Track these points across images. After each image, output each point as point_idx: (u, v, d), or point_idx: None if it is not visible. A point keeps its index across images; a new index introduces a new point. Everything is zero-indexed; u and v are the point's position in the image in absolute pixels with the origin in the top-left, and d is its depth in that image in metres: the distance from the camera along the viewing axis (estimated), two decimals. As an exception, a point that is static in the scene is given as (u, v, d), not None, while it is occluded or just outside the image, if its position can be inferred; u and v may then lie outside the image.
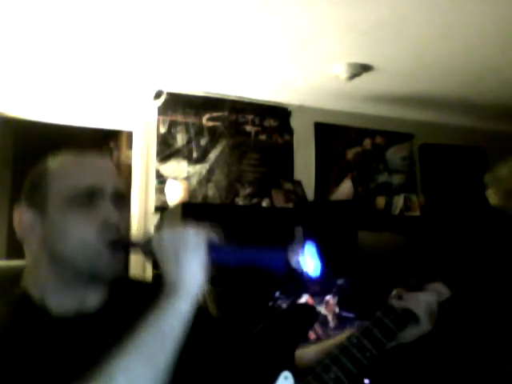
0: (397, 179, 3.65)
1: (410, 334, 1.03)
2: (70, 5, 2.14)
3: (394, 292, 1.06)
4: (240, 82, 3.04)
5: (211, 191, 3.12)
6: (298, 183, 3.27)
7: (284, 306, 2.68)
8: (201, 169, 3.12)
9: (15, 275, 0.99)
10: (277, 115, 3.37)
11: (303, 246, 0.88)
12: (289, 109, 3.39)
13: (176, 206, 2.82)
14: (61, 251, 0.92)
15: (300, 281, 2.60)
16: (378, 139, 3.64)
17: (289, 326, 1.06)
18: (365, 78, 2.88)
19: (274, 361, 1.02)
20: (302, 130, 3.43)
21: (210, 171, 3.14)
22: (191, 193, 3.00)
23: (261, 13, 2.24)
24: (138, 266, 2.75)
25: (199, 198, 3.05)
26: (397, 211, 3.37)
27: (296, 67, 2.83)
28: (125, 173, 3.06)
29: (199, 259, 0.83)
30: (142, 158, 2.98)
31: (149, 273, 2.76)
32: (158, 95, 3.04)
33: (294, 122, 3.41)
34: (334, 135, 3.51)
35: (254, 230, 2.85)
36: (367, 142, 3.61)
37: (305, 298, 2.80)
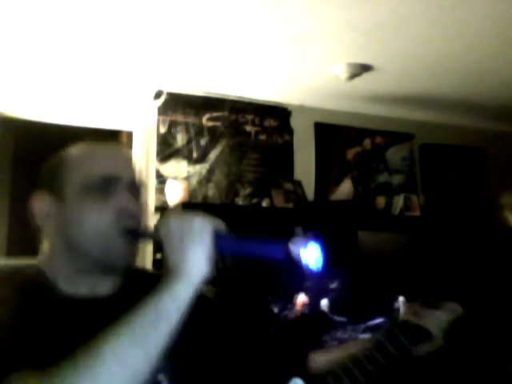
0: (397, 179, 3.65)
1: (422, 349, 1.04)
2: (70, 5, 2.14)
3: (408, 307, 1.07)
4: (240, 82, 3.04)
5: (211, 191, 3.12)
6: (298, 183, 3.27)
7: (287, 310, 2.69)
8: (201, 169, 3.12)
9: (16, 274, 0.97)
10: (277, 115, 3.37)
11: (306, 240, 0.87)
12: (289, 109, 3.39)
13: (176, 206, 2.82)
14: (76, 238, 0.93)
15: (300, 273, 2.60)
16: (378, 139, 3.64)
17: (302, 332, 1.10)
18: (365, 78, 2.88)
19: (285, 366, 1.02)
20: (302, 130, 3.43)
21: (210, 171, 3.14)
22: (191, 193, 3.00)
23: (261, 13, 2.24)
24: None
25: (199, 198, 3.05)
26: (397, 211, 3.37)
27: (296, 67, 2.83)
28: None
29: (203, 247, 0.83)
30: (142, 157, 2.98)
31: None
32: (157, 95, 3.04)
33: (294, 122, 3.41)
34: (334, 135, 3.51)
35: (254, 230, 2.85)
36: (367, 142, 3.61)
37: (300, 297, 2.79)
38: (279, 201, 3.11)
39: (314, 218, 3.11)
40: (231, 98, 3.23)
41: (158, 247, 0.88)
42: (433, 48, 2.60)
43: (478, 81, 3.04)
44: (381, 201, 3.43)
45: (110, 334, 0.74)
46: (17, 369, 0.74)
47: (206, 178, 3.12)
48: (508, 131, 3.89)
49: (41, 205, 0.96)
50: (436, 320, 1.03)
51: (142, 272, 1.07)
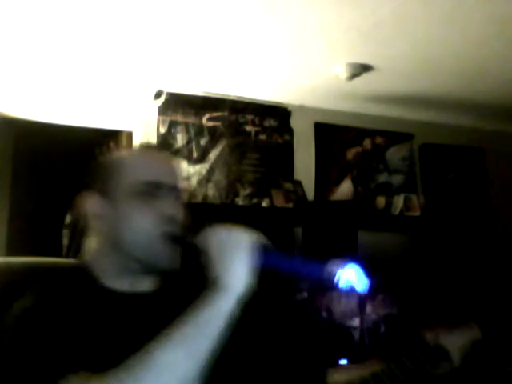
0: (397, 179, 3.65)
1: (440, 368, 1.10)
2: (70, 5, 2.14)
3: (429, 329, 1.11)
4: (240, 81, 3.04)
5: (211, 191, 3.11)
6: (298, 183, 3.26)
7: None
8: (201, 169, 3.11)
9: (63, 270, 1.06)
10: (277, 115, 3.37)
11: (347, 262, 0.89)
12: (289, 109, 3.39)
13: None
14: (122, 238, 0.99)
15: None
16: (378, 139, 3.63)
17: (323, 346, 1.15)
18: (365, 78, 2.88)
19: (305, 380, 1.06)
20: (302, 130, 3.42)
21: (210, 171, 3.14)
22: (191, 193, 3.00)
23: (261, 13, 2.24)
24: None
25: (199, 198, 3.05)
26: (397, 211, 3.37)
27: (296, 67, 2.83)
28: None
29: (247, 260, 0.85)
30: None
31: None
32: (158, 95, 3.04)
33: (294, 122, 3.40)
34: (334, 135, 3.51)
35: (254, 230, 2.85)
36: (367, 142, 3.60)
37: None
38: (279, 201, 3.11)
39: (314, 218, 3.11)
40: (231, 97, 3.23)
41: (198, 255, 0.92)
42: (433, 48, 2.60)
43: (478, 81, 3.03)
44: (381, 201, 3.43)
45: (162, 344, 0.79)
46: (72, 369, 0.79)
47: (206, 178, 3.12)
48: (508, 131, 3.88)
49: (91, 205, 1.03)
50: (456, 342, 1.08)
51: (182, 272, 1.11)
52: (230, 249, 0.86)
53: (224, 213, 2.89)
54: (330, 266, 0.88)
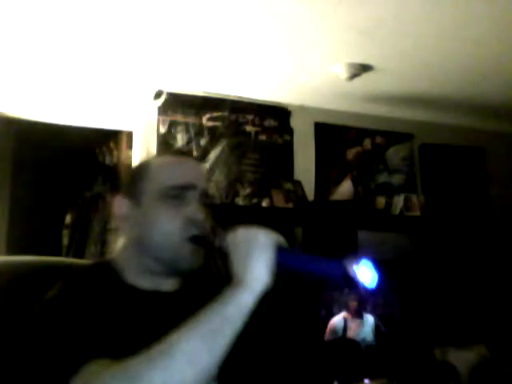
0: (397, 179, 3.65)
1: None
2: (70, 5, 2.14)
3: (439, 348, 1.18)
4: (240, 81, 3.04)
5: (211, 191, 3.11)
6: (298, 183, 3.26)
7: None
8: (201, 169, 3.11)
9: (92, 267, 1.10)
10: (277, 115, 3.37)
11: (360, 258, 0.91)
12: (289, 109, 3.39)
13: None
14: (147, 240, 1.03)
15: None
16: (378, 139, 3.63)
17: (331, 359, 1.18)
18: (365, 78, 2.88)
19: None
20: (302, 130, 3.43)
21: (210, 171, 3.14)
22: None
23: (261, 13, 2.24)
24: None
25: (199, 198, 3.05)
26: (397, 211, 3.37)
27: (296, 67, 2.83)
28: (125, 173, 3.06)
29: (266, 259, 0.89)
30: (142, 158, 2.98)
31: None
32: (158, 95, 3.04)
33: (294, 122, 3.40)
34: (333, 135, 3.51)
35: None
36: (367, 142, 3.60)
37: (342, 315, 2.83)
38: (279, 201, 3.11)
39: (314, 218, 3.11)
40: (231, 97, 3.23)
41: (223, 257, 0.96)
42: (433, 48, 2.60)
43: (478, 81, 3.04)
44: (381, 201, 3.43)
45: (182, 335, 0.82)
46: (93, 356, 0.82)
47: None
48: (508, 131, 3.89)
49: (120, 207, 1.07)
50: (465, 361, 1.14)
51: (204, 272, 1.14)
52: (250, 248, 0.89)
53: (224, 213, 2.88)
54: (346, 263, 0.90)
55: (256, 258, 0.88)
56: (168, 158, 1.13)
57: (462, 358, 1.10)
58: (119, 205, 1.07)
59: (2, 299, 1.09)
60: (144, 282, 1.03)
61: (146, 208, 1.04)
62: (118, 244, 1.09)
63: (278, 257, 0.90)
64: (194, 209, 1.03)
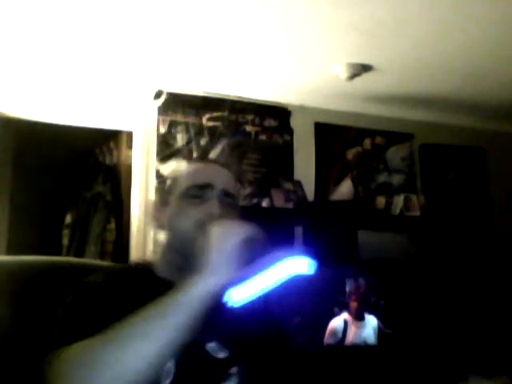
0: (397, 179, 3.65)
1: None
2: (70, 5, 2.14)
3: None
4: (240, 81, 3.04)
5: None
6: (298, 183, 3.26)
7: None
8: (201, 169, 3.11)
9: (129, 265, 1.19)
10: (277, 115, 3.37)
11: (291, 251, 0.93)
12: (289, 109, 3.39)
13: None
14: (170, 237, 1.12)
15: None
16: (378, 139, 3.63)
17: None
18: (365, 78, 2.88)
19: None
20: (302, 130, 3.43)
21: (210, 171, 3.13)
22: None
23: (261, 13, 2.24)
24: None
25: (199, 198, 3.05)
26: (397, 211, 3.37)
27: (296, 67, 2.84)
28: (125, 173, 3.06)
29: (229, 253, 0.90)
30: (142, 158, 2.98)
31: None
32: (158, 95, 3.04)
33: (294, 122, 3.40)
34: (334, 135, 3.51)
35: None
36: (367, 142, 3.60)
37: (343, 316, 2.82)
38: (279, 201, 3.11)
39: (314, 218, 3.11)
40: (231, 98, 3.23)
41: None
42: (433, 48, 2.60)
43: (478, 81, 3.04)
44: (381, 201, 3.43)
45: (142, 316, 0.86)
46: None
47: (206, 178, 3.11)
48: (508, 131, 3.89)
49: (156, 213, 1.18)
50: None
51: None
52: (217, 241, 0.91)
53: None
54: (276, 258, 0.94)
55: (219, 251, 0.90)
56: (194, 163, 1.23)
57: None
58: (155, 212, 1.19)
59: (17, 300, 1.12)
60: (175, 277, 1.07)
61: (170, 208, 1.13)
62: (155, 245, 1.18)
63: (248, 251, 0.91)
64: (209, 206, 1.07)
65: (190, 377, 0.99)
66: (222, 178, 1.16)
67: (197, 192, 1.10)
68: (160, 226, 1.15)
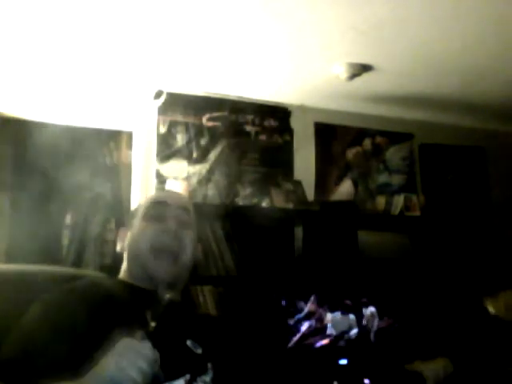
0: (397, 179, 3.65)
1: None
2: (70, 5, 2.14)
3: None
4: (240, 82, 3.04)
5: (211, 191, 3.11)
6: (298, 183, 3.26)
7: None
8: (201, 169, 3.11)
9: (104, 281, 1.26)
10: (277, 115, 3.37)
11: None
12: (289, 109, 3.39)
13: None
14: (130, 257, 1.24)
15: None
16: (378, 139, 3.63)
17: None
18: (365, 78, 2.88)
19: None
20: (302, 129, 3.42)
21: (210, 171, 3.14)
22: (191, 193, 3.00)
23: (261, 13, 2.24)
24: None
25: (199, 198, 3.05)
26: (397, 211, 3.37)
27: (296, 67, 2.83)
28: (125, 173, 3.06)
29: (126, 366, 0.89)
30: (142, 158, 2.98)
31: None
32: (158, 95, 3.04)
33: (294, 122, 3.40)
34: (333, 135, 3.51)
35: (254, 230, 2.85)
36: (367, 142, 3.60)
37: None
38: (279, 201, 3.11)
39: (314, 218, 3.11)
40: (231, 98, 3.23)
41: None
42: (433, 48, 2.60)
43: (478, 81, 3.04)
44: (381, 201, 3.43)
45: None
46: None
47: (206, 178, 3.12)
48: (508, 131, 3.88)
49: (121, 236, 1.32)
50: (431, 370, 1.33)
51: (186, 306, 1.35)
52: (124, 351, 0.91)
53: (224, 213, 2.88)
54: None
55: (120, 362, 0.89)
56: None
57: (430, 370, 1.28)
58: (120, 235, 1.33)
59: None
60: (145, 284, 1.20)
61: (132, 229, 1.27)
62: (123, 266, 1.28)
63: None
64: (165, 222, 1.21)
65: (176, 366, 1.04)
66: (175, 195, 1.36)
67: (155, 210, 1.24)
68: (122, 247, 1.29)
